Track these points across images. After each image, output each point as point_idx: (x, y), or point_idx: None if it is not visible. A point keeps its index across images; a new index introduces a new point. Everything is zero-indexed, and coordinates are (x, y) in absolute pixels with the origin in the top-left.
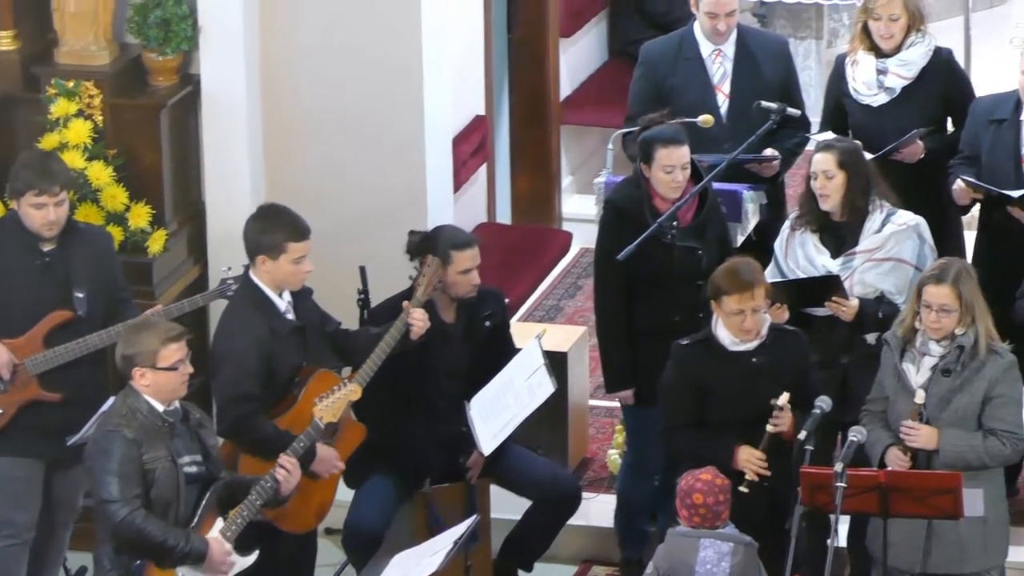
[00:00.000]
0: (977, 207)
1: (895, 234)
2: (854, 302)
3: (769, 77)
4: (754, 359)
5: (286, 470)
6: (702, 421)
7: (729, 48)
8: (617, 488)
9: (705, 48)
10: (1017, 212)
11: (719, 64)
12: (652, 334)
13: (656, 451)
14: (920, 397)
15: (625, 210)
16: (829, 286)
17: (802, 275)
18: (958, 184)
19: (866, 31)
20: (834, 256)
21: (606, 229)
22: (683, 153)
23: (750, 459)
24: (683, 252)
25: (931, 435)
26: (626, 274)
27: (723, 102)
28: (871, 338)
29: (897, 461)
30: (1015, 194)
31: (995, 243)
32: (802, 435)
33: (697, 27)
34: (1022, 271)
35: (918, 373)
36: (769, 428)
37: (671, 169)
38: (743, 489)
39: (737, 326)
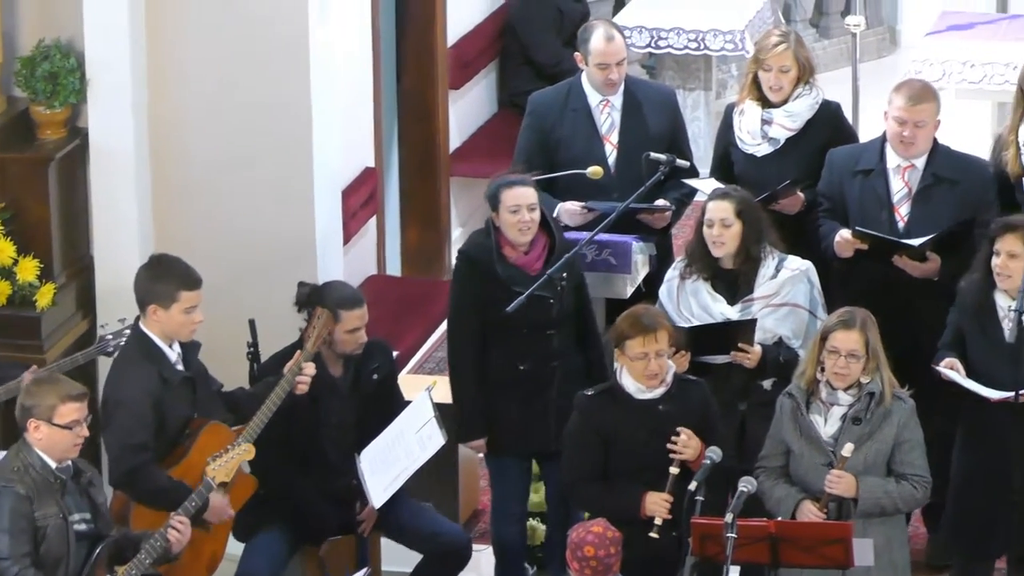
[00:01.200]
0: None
1: (789, 279)
2: (757, 348)
3: (657, 127)
4: (660, 407)
5: (177, 530)
6: (607, 472)
7: (617, 99)
8: (491, 535)
9: (593, 99)
10: (902, 262)
11: (607, 115)
12: (504, 383)
13: (519, 496)
14: (848, 451)
15: (476, 259)
16: (741, 331)
17: (696, 323)
18: (843, 236)
19: (756, 82)
20: (730, 303)
21: (458, 279)
22: (528, 193)
23: (657, 502)
24: (534, 302)
25: (851, 483)
26: (479, 323)
27: (611, 152)
28: (767, 384)
29: (812, 516)
30: (915, 242)
31: (871, 295)
32: (693, 485)
33: (584, 78)
34: (891, 322)
35: (827, 424)
36: (672, 470)
37: (516, 208)
38: (653, 535)
39: (641, 371)
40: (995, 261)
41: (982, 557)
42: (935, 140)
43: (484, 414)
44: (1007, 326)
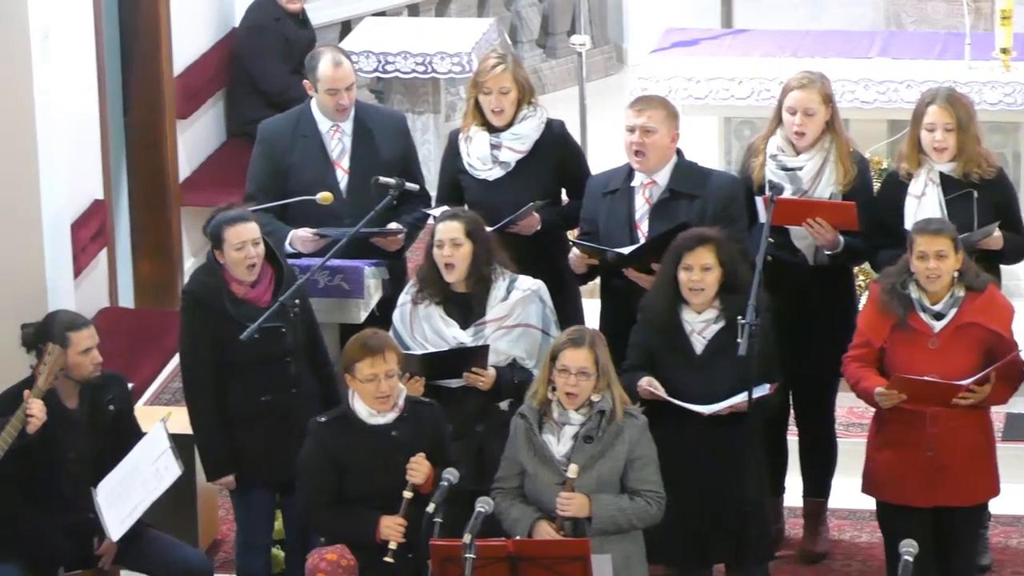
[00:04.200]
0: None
1: (521, 300)
2: (491, 371)
3: (388, 152)
4: (393, 432)
5: None
6: (341, 497)
7: (347, 124)
8: (235, 568)
9: (323, 125)
10: (634, 275)
11: (337, 140)
12: (247, 417)
13: (266, 528)
14: (573, 472)
15: (203, 298)
16: (474, 356)
17: (431, 348)
18: (573, 252)
19: (478, 106)
20: (463, 327)
21: (187, 319)
22: (251, 228)
23: (391, 526)
24: (267, 332)
25: (583, 503)
26: (214, 362)
27: (343, 178)
28: (504, 405)
29: (547, 535)
30: (626, 250)
31: (617, 309)
32: (431, 508)
33: (314, 104)
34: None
35: (559, 443)
36: (406, 494)
37: (241, 246)
38: (388, 559)
39: (372, 393)
40: (685, 275)
41: (694, 566)
42: (679, 155)
43: (230, 451)
44: (696, 340)
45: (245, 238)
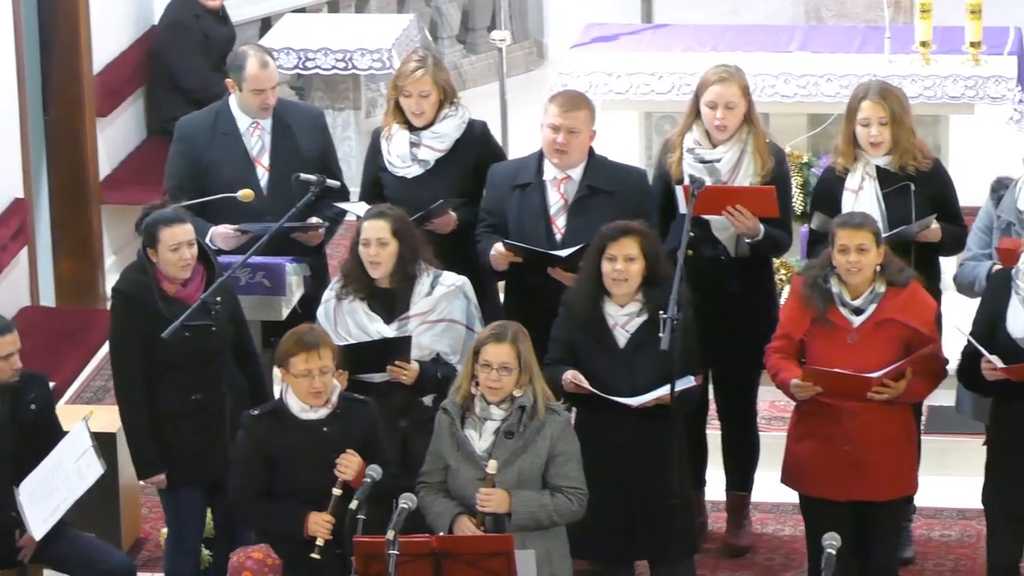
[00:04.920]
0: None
1: (445, 295)
2: (415, 365)
3: (307, 148)
4: (325, 428)
5: None
6: (271, 491)
7: (266, 121)
8: (164, 568)
9: (242, 122)
10: (557, 273)
11: (257, 137)
12: (177, 416)
13: (197, 528)
14: (493, 468)
15: (134, 298)
16: (397, 348)
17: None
18: (497, 248)
19: (399, 107)
20: (387, 322)
21: (118, 318)
22: (187, 230)
23: (319, 522)
24: (197, 331)
25: (503, 498)
26: (144, 360)
27: (263, 175)
28: (428, 400)
29: (468, 531)
30: (562, 253)
31: (527, 305)
32: (354, 504)
33: (232, 101)
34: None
35: (481, 438)
36: (335, 490)
37: (177, 247)
38: (315, 556)
39: (307, 389)
40: (609, 267)
41: (618, 562)
42: (592, 151)
43: (160, 449)
44: (620, 334)
45: (181, 240)
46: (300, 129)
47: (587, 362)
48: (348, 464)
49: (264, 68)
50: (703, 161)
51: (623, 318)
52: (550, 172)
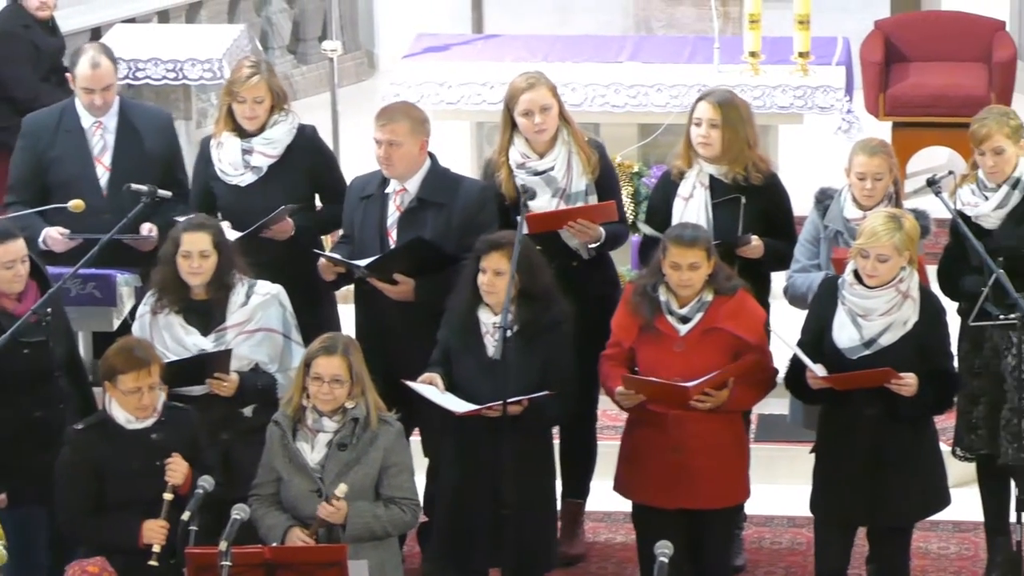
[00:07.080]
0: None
1: (261, 304)
2: (234, 377)
3: (152, 150)
4: (153, 435)
5: None
6: (101, 505)
7: (111, 120)
8: None
9: (86, 120)
10: (379, 284)
11: (99, 136)
12: (16, 434)
13: (39, 544)
14: (342, 492)
15: None
16: (216, 362)
17: (173, 357)
18: (320, 260)
19: (231, 113)
20: (204, 334)
21: None
22: (20, 246)
23: (154, 529)
24: (35, 348)
25: (340, 509)
26: None
27: (103, 174)
28: (248, 411)
29: (300, 542)
30: (361, 263)
31: (368, 316)
32: (186, 515)
33: (78, 99)
34: (402, 338)
35: (313, 451)
36: (166, 496)
37: (11, 264)
38: (152, 563)
39: (135, 405)
40: (481, 278)
41: (471, 571)
42: (433, 161)
43: (3, 467)
44: (489, 342)
45: (14, 256)
46: (147, 131)
47: (458, 367)
48: (176, 468)
49: (95, 68)
50: (537, 173)
51: (495, 328)
52: (392, 185)
